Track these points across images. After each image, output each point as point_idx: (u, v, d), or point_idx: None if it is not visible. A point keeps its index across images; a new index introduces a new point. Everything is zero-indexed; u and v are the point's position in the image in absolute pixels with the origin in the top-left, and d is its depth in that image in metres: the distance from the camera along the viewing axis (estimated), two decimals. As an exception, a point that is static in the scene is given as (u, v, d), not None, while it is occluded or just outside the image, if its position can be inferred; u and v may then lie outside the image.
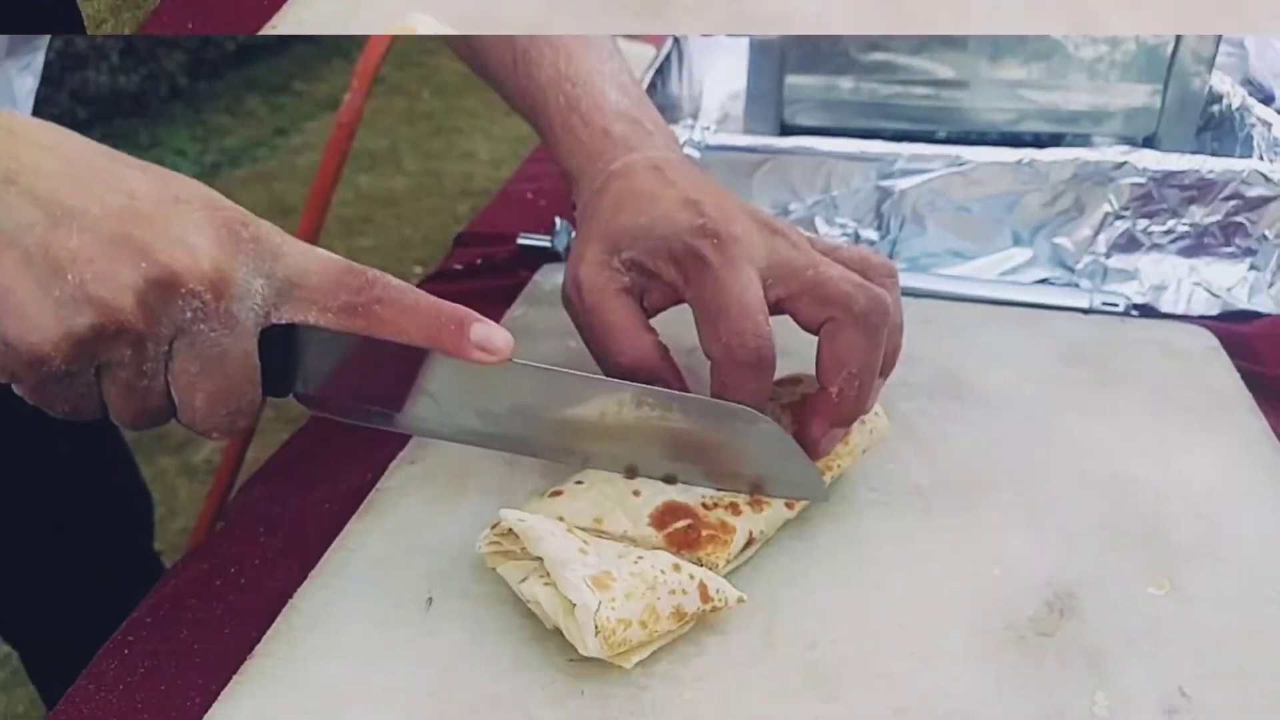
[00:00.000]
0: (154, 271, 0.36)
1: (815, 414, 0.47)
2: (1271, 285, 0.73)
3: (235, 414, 0.41)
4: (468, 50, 0.64)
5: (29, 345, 0.36)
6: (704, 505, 0.46)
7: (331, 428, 0.58)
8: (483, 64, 0.63)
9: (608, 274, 0.49)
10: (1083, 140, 0.89)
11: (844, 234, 0.74)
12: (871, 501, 0.51)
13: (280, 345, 0.41)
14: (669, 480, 0.47)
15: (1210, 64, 0.81)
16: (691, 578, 0.42)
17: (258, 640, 0.43)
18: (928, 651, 0.42)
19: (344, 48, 4.53)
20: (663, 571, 0.41)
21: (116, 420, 0.41)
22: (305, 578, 0.46)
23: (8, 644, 1.07)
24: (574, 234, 0.76)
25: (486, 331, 0.42)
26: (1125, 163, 0.69)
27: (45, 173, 0.36)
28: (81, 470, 0.92)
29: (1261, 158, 0.76)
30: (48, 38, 0.67)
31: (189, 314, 0.38)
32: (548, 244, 0.78)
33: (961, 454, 0.54)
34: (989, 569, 0.46)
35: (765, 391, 0.46)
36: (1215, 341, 0.66)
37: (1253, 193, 0.69)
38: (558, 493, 0.46)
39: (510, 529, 0.42)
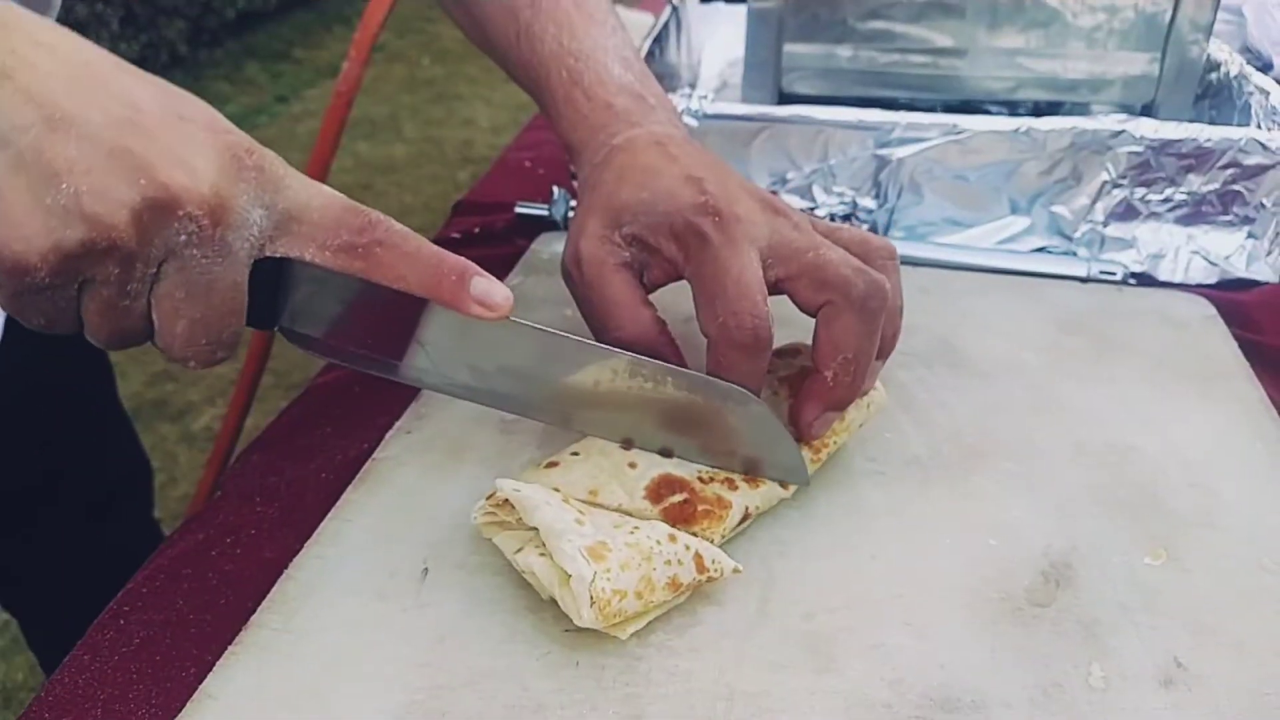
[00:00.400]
0: (152, 191, 0.35)
1: (810, 397, 0.47)
2: (1269, 253, 0.72)
3: (215, 344, 0.39)
4: (469, 21, 0.63)
5: (13, 254, 0.35)
6: (700, 479, 0.46)
7: (330, 397, 0.59)
8: (485, 36, 0.62)
9: (608, 248, 0.48)
10: (1081, 108, 0.88)
11: (841, 202, 0.74)
12: (868, 471, 0.51)
13: (271, 277, 0.40)
14: (665, 453, 0.47)
15: (1208, 31, 0.81)
16: (687, 548, 0.42)
17: (254, 611, 0.43)
18: (923, 622, 0.42)
19: (344, 14, 4.48)
20: (658, 542, 0.41)
21: (91, 337, 0.39)
22: (301, 548, 0.46)
23: (6, 611, 1.08)
24: (573, 205, 0.76)
25: (487, 286, 0.41)
26: (1123, 131, 0.68)
27: (43, 72, 0.35)
28: (80, 438, 0.92)
29: (1259, 126, 0.75)
30: (58, 5, 0.66)
31: (183, 238, 0.37)
32: (545, 212, 0.77)
33: (958, 423, 0.54)
34: (985, 539, 0.46)
35: (761, 371, 0.45)
36: (1213, 310, 0.66)
37: (1250, 161, 0.69)
38: (554, 464, 0.46)
39: (506, 499, 0.42)
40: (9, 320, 0.66)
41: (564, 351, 0.45)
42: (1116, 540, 0.47)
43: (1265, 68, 1.13)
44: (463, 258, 0.42)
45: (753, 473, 0.47)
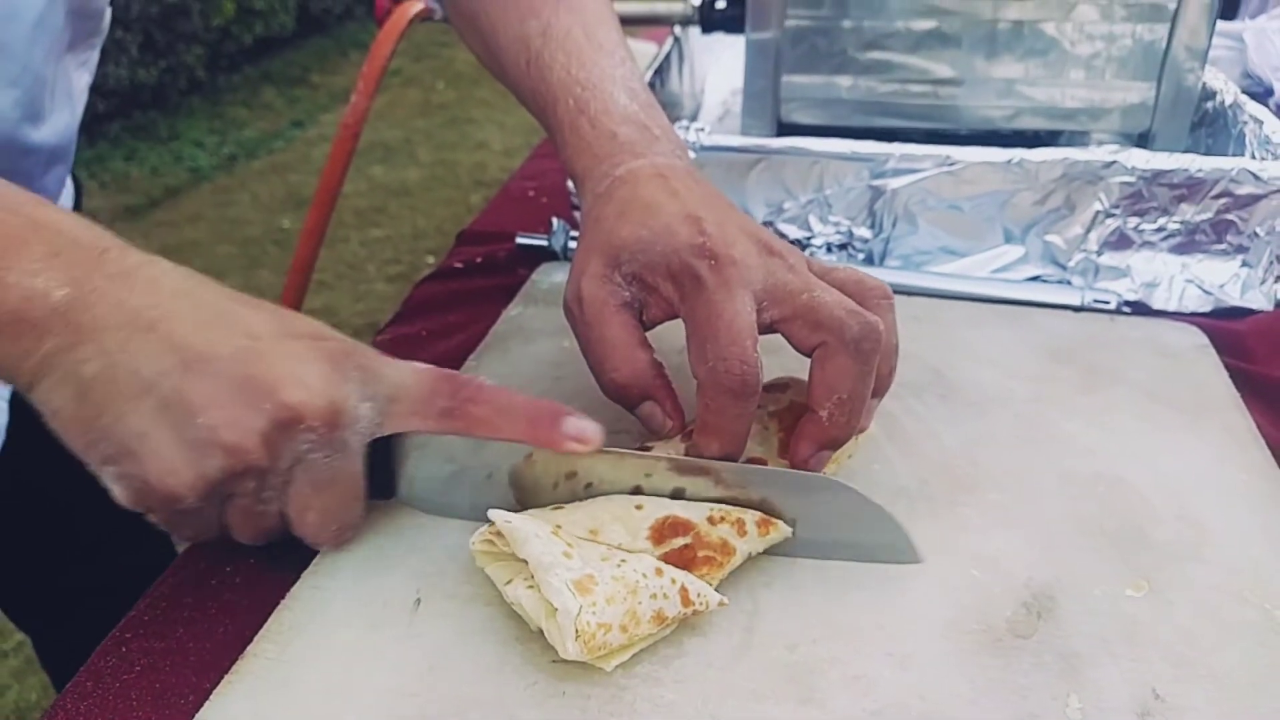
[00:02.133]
0: (276, 413, 0.40)
1: (805, 436, 0.47)
2: (1263, 282, 0.73)
3: (343, 527, 0.46)
4: (483, 48, 0.65)
5: (165, 487, 0.40)
6: (709, 520, 0.46)
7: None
8: (498, 63, 0.64)
9: (609, 288, 0.49)
10: (1081, 137, 0.89)
11: (838, 232, 0.75)
12: (855, 502, 0.51)
13: (383, 454, 0.46)
14: (676, 496, 0.47)
15: (1203, 60, 0.81)
16: (674, 581, 0.42)
17: (251, 640, 0.44)
18: (905, 653, 0.43)
19: (360, 40, 4.53)
20: (644, 575, 0.42)
21: (236, 538, 0.45)
22: (299, 578, 0.47)
23: (20, 631, 1.09)
24: (573, 235, 0.77)
25: (580, 425, 0.45)
26: (1115, 162, 0.69)
27: (179, 319, 0.40)
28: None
29: (1253, 155, 0.76)
30: (104, 34, 0.69)
31: (306, 445, 0.42)
32: (545, 243, 0.78)
33: (946, 455, 0.55)
34: (968, 570, 0.47)
35: (748, 415, 0.46)
36: (1205, 339, 0.66)
37: (1242, 191, 0.69)
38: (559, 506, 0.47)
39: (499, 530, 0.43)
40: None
41: (648, 468, 0.47)
42: (1100, 572, 0.47)
43: (1266, 93, 1.14)
44: (551, 402, 0.46)
45: (768, 510, 0.48)
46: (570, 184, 0.74)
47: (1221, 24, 1.20)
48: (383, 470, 0.47)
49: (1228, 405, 0.60)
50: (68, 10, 0.62)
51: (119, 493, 0.41)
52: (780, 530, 0.47)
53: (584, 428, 0.45)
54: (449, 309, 0.74)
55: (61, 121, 0.67)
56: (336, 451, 0.43)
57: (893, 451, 0.55)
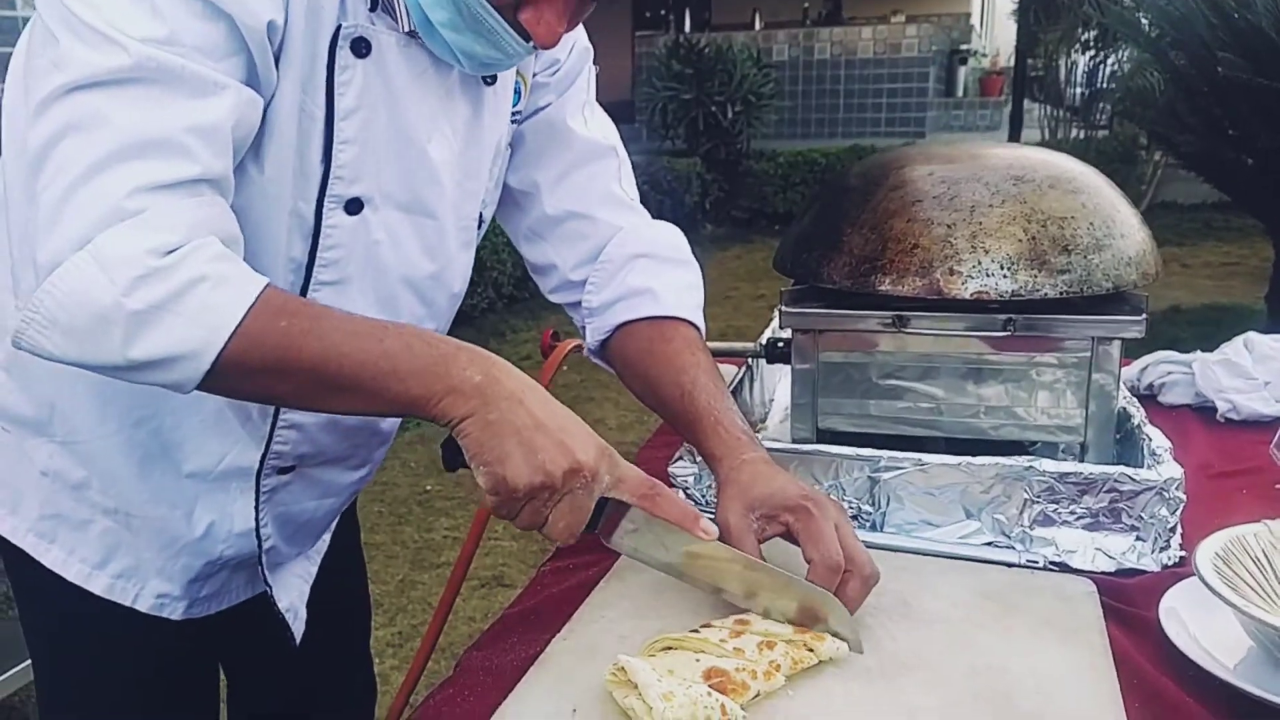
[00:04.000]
0: (572, 462, 0.81)
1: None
2: (1153, 551, 1.04)
3: (572, 535, 0.85)
4: (644, 389, 1.10)
5: (509, 483, 0.80)
6: (739, 669, 0.80)
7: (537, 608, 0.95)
8: (656, 398, 1.08)
9: (745, 521, 0.92)
10: (1050, 446, 1.22)
11: (850, 507, 1.10)
12: (834, 674, 0.84)
13: (600, 507, 0.86)
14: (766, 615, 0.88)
15: (1113, 397, 1.16)
16: (719, 702, 0.76)
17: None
18: (849, 751, 0.75)
19: (499, 330, 5.20)
20: (701, 694, 0.76)
21: (545, 530, 0.84)
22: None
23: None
24: (716, 491, 1.14)
25: (708, 523, 0.88)
26: (1031, 466, 1.04)
27: (532, 400, 0.82)
28: (327, 667, 1.28)
29: (1145, 464, 1.09)
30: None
31: (578, 485, 0.82)
32: (652, 509, 1.15)
33: (899, 649, 0.87)
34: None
35: (835, 582, 0.87)
36: (1093, 588, 0.98)
37: (1125, 488, 1.03)
38: (668, 647, 0.82)
39: (623, 666, 0.78)
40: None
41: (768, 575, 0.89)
42: None
43: (1211, 409, 1.47)
44: (696, 510, 0.89)
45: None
46: (672, 468, 1.14)
47: (1175, 354, 1.56)
48: (596, 514, 0.86)
49: (1093, 630, 0.91)
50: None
51: (483, 481, 0.81)
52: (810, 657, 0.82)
53: (710, 525, 0.88)
54: (585, 553, 1.10)
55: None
56: (587, 494, 0.83)
57: (867, 647, 0.87)
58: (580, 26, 1.00)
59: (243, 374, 0.79)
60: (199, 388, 0.79)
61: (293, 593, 1.10)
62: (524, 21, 0.87)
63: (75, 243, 0.74)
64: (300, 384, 0.80)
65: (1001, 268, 1.09)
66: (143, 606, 1.03)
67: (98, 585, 1.01)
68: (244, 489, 1.00)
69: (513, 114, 1.08)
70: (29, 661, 2.09)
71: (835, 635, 0.86)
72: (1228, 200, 6.63)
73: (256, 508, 1.01)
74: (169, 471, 0.99)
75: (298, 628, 1.10)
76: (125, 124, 0.76)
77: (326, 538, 1.18)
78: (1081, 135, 8.83)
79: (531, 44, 0.89)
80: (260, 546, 1.03)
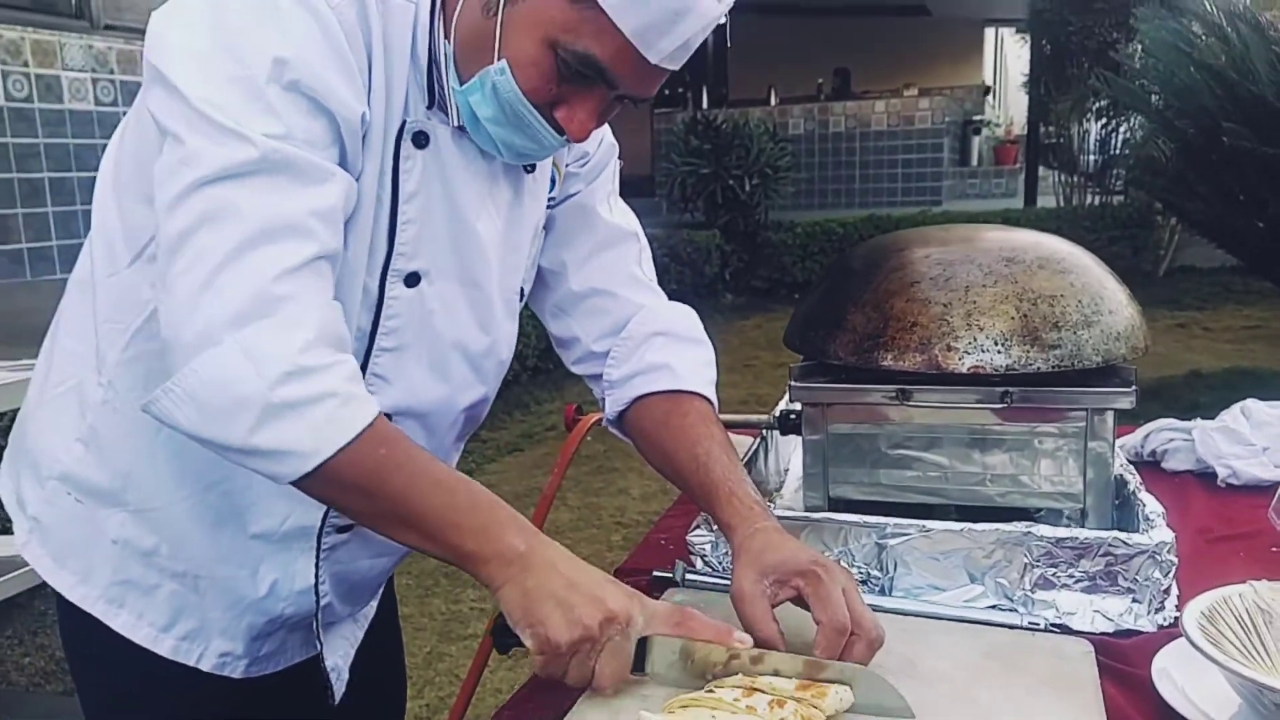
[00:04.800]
0: (605, 614, 0.88)
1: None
2: (1149, 613, 1.09)
3: (618, 680, 0.91)
4: (661, 460, 1.17)
5: (553, 641, 0.88)
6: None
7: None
8: (671, 467, 1.15)
9: (759, 588, 0.98)
10: (1055, 513, 1.27)
11: (858, 573, 1.16)
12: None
13: (639, 647, 0.92)
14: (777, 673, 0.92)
15: (1108, 464, 1.21)
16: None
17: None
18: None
19: (523, 402, 5.28)
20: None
21: (594, 683, 0.91)
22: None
23: None
24: (687, 571, 1.20)
25: (742, 635, 0.93)
26: (1030, 532, 1.10)
27: (566, 567, 0.90)
28: None
29: (1140, 529, 1.14)
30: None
31: (614, 631, 0.89)
32: (670, 575, 1.22)
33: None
34: (901, 766, 0.84)
35: (841, 644, 0.92)
36: (1090, 649, 1.03)
37: (1119, 551, 1.08)
38: (686, 705, 0.87)
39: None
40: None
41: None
42: (976, 770, 0.83)
43: (1212, 475, 1.52)
44: (727, 625, 0.95)
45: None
46: (690, 536, 1.20)
47: (1176, 422, 1.61)
48: (639, 656, 0.92)
49: (1089, 689, 0.96)
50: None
51: (530, 642, 0.88)
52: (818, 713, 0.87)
53: (745, 638, 0.94)
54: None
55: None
56: (625, 638, 0.90)
57: (868, 703, 0.93)
58: (606, 124, 1.11)
59: (333, 484, 0.89)
60: (292, 483, 0.88)
61: (338, 653, 1.17)
62: (558, 118, 0.98)
63: (224, 323, 0.84)
64: (377, 508, 0.91)
65: (995, 343, 1.16)
66: (206, 666, 1.10)
67: (164, 647, 1.08)
68: (305, 548, 1.08)
69: (548, 199, 1.18)
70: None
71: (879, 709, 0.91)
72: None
73: (317, 565, 1.08)
74: (237, 533, 1.06)
75: (338, 687, 1.16)
76: (257, 212, 0.86)
77: (374, 605, 1.25)
78: (1097, 201, 8.93)
79: (565, 138, 0.99)
80: (318, 604, 1.10)
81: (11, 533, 2.50)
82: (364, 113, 0.94)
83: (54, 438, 1.09)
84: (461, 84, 0.98)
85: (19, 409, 1.21)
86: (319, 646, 1.12)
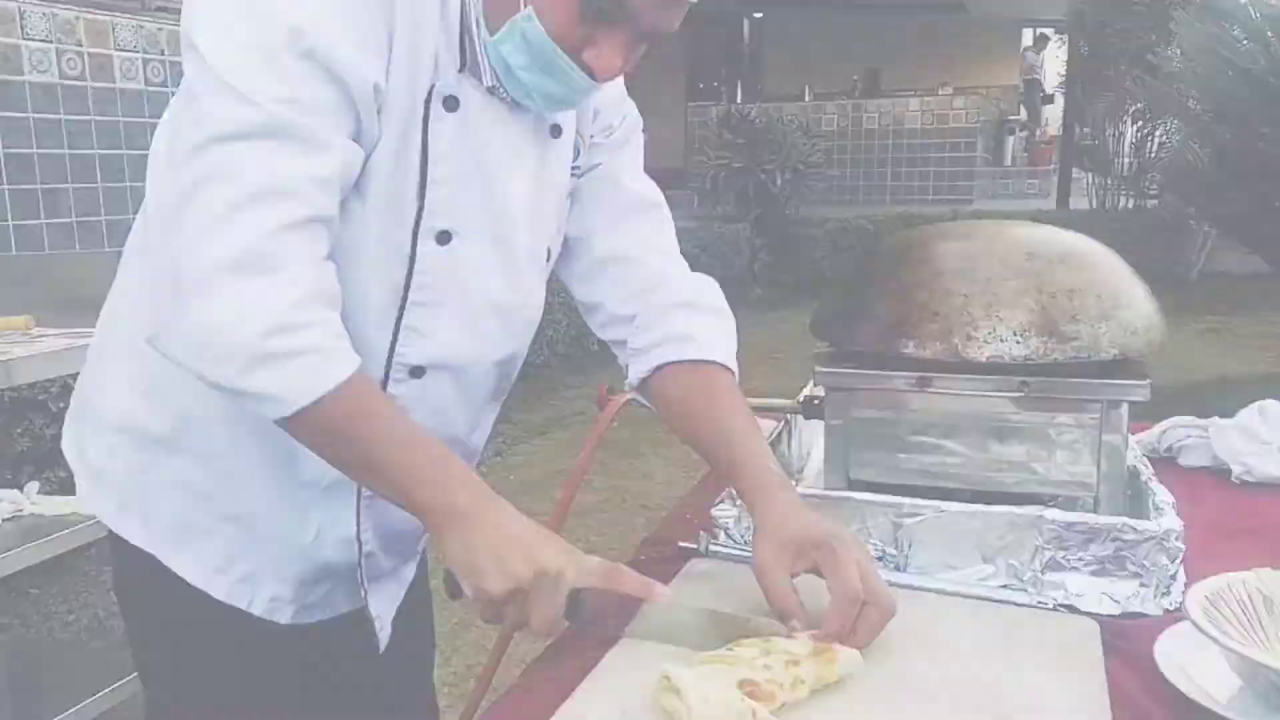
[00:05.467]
0: (536, 567, 0.94)
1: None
2: (1155, 597, 1.13)
3: (549, 629, 0.96)
4: (690, 435, 1.22)
5: (488, 589, 0.94)
6: (768, 680, 0.91)
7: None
8: (700, 444, 1.20)
9: (779, 559, 1.03)
10: (1071, 500, 1.31)
11: (875, 550, 1.21)
12: (853, 688, 0.94)
13: (573, 596, 0.97)
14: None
15: (1122, 454, 1.26)
16: (752, 707, 0.87)
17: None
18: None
19: (553, 386, 5.35)
20: (739, 699, 0.87)
21: (530, 628, 0.96)
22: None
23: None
24: (711, 542, 1.25)
25: (663, 588, 0.99)
26: (1040, 515, 1.14)
27: (508, 523, 0.96)
28: (396, 689, 1.38)
29: (1150, 516, 1.18)
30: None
31: (544, 584, 0.94)
32: (695, 547, 1.27)
33: (912, 671, 0.98)
34: (908, 729, 0.89)
35: (855, 614, 0.97)
36: (1095, 629, 1.07)
37: (1128, 537, 1.12)
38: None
39: (667, 675, 0.89)
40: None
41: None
42: (980, 732, 0.88)
43: (1227, 471, 1.56)
44: (652, 580, 0.99)
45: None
46: (715, 510, 1.26)
47: (1193, 419, 1.65)
48: (570, 605, 0.97)
49: (1093, 665, 1.00)
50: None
51: (468, 589, 0.95)
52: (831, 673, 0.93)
53: (666, 590, 1.00)
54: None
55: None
56: (557, 589, 0.94)
57: (883, 667, 0.98)
58: (631, 100, 1.20)
59: (309, 429, 0.97)
60: (276, 423, 0.97)
61: (383, 604, 1.23)
62: (586, 59, 1.04)
63: (220, 266, 0.91)
64: (345, 456, 1.00)
65: (1014, 334, 1.21)
66: (257, 610, 1.17)
67: (219, 589, 1.15)
68: (348, 497, 1.14)
69: (572, 167, 1.23)
70: (123, 680, 2.23)
71: None
72: None
73: (358, 514, 1.15)
74: (289, 479, 1.13)
75: (383, 636, 1.23)
76: (258, 171, 0.93)
77: (414, 566, 1.31)
78: (1131, 204, 8.88)
79: (594, 81, 1.05)
80: (360, 552, 1.16)
81: (60, 494, 2.61)
82: (378, 83, 1.00)
83: (114, 391, 1.16)
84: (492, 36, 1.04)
85: (75, 374, 1.28)
86: (364, 595, 1.18)
